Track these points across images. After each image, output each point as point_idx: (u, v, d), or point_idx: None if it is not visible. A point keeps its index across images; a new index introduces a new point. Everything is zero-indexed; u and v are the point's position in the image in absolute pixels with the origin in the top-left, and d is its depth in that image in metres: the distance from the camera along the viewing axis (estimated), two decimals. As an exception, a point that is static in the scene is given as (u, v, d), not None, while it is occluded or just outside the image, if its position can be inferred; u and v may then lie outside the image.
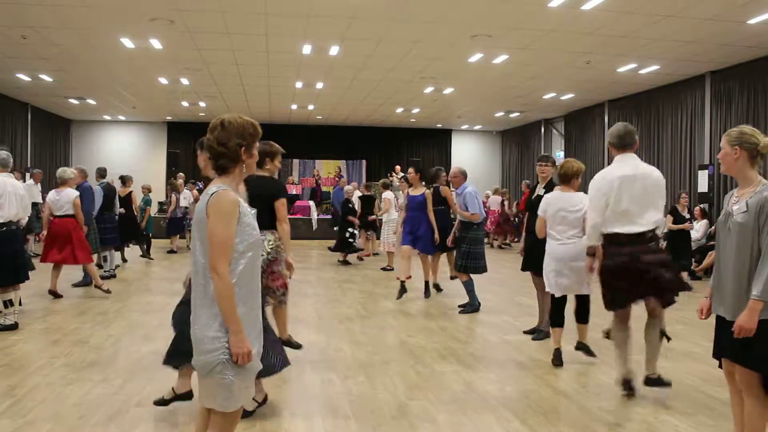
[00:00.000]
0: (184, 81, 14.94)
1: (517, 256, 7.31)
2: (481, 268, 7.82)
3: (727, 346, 3.19)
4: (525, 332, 6.73)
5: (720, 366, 3.40)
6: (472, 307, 7.93)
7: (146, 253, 13.27)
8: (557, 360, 5.49)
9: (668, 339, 5.02)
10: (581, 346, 5.64)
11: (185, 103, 18.39)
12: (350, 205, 13.44)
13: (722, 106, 13.10)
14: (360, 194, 14.77)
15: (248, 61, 12.84)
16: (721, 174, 3.62)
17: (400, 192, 11.67)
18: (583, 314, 5.58)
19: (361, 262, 13.53)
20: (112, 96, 17.41)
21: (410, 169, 9.05)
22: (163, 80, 14.88)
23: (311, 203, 19.47)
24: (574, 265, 5.33)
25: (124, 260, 12.42)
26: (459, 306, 8.11)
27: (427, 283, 9.01)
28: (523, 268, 6.74)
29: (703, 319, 3.43)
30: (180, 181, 15.60)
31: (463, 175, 8.16)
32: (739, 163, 3.23)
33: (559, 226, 5.46)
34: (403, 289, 8.47)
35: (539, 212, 5.64)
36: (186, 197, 14.92)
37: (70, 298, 8.47)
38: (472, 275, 7.89)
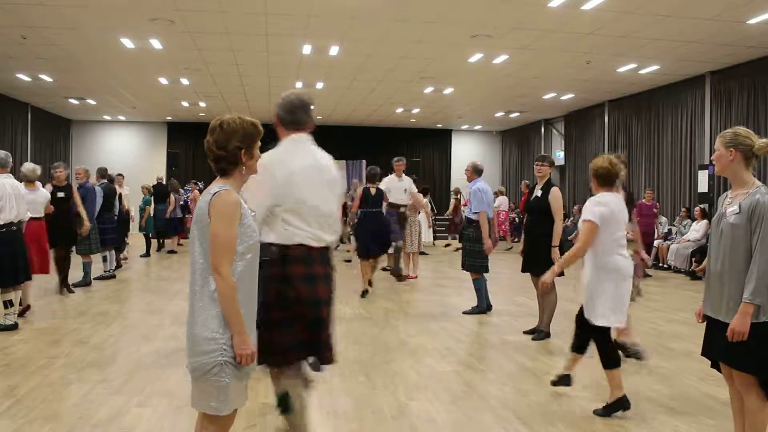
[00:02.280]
0: (184, 81, 14.92)
1: (517, 257, 7.30)
2: (481, 267, 7.56)
3: (723, 350, 3.18)
4: (525, 332, 6.72)
5: (712, 365, 3.41)
6: (478, 309, 7.76)
7: (145, 254, 13.33)
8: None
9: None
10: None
11: (185, 103, 18.37)
12: None
13: (722, 106, 13.10)
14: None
15: (248, 61, 12.83)
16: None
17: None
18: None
19: None
20: (112, 96, 17.39)
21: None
22: (163, 80, 14.87)
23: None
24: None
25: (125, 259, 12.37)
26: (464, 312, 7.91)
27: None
28: (523, 270, 6.72)
29: (700, 322, 3.44)
30: (168, 182, 15.56)
31: (473, 170, 7.77)
32: (734, 165, 3.21)
33: (620, 233, 4.41)
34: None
35: (593, 218, 4.28)
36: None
37: (70, 298, 8.47)
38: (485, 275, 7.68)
